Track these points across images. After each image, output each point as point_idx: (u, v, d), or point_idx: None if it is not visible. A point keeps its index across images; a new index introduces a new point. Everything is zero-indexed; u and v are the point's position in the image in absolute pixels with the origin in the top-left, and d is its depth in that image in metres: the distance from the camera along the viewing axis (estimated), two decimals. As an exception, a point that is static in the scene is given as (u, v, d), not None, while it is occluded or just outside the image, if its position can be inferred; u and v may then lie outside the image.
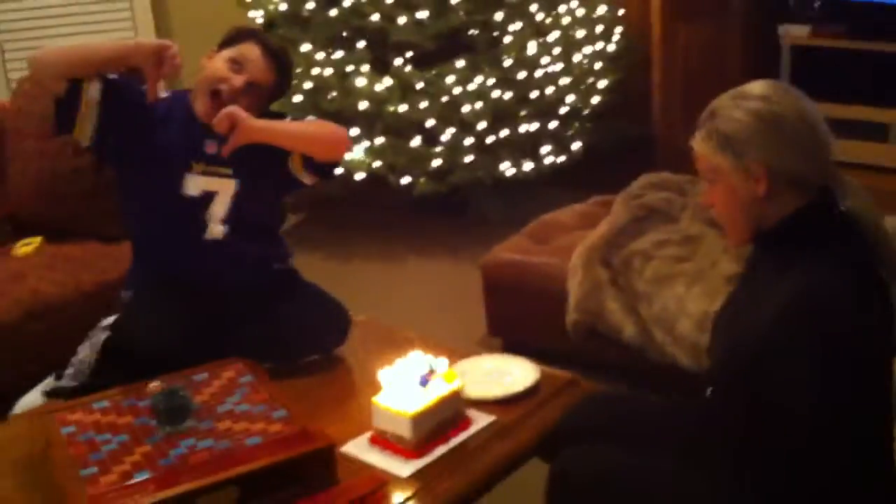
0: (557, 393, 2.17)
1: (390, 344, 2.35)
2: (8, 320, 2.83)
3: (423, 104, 4.19)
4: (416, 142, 4.27)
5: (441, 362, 2.01)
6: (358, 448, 1.96)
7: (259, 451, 1.83)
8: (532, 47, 4.31)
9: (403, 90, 4.23)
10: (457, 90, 4.18)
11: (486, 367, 2.27)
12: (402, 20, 4.22)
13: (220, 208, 2.42)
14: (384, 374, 1.98)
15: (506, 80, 4.27)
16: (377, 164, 4.30)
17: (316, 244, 4.49)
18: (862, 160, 4.19)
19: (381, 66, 4.33)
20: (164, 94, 2.42)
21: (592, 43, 4.60)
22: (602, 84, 4.65)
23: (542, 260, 3.33)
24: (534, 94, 4.37)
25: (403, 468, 1.89)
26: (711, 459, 1.74)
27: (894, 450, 1.71)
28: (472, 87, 4.20)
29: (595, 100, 4.63)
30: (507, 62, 4.28)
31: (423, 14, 4.21)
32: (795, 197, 1.66)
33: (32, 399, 2.45)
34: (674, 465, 1.78)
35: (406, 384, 1.95)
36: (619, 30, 4.73)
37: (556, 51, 4.41)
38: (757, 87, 1.70)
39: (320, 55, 4.34)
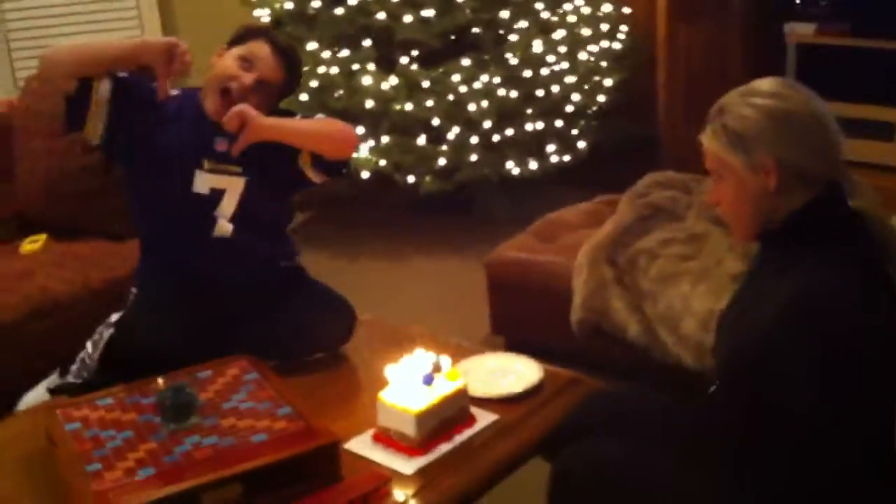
0: (561, 392, 2.17)
1: (395, 342, 2.36)
2: (16, 317, 2.84)
3: (429, 103, 4.19)
4: (421, 140, 4.27)
5: (445, 360, 2.02)
6: (361, 445, 1.97)
7: (264, 447, 1.83)
8: (538, 46, 4.31)
9: (409, 89, 4.23)
10: (462, 89, 4.18)
11: (490, 365, 2.27)
12: (407, 18, 4.22)
13: (228, 206, 2.42)
14: (391, 371, 1.98)
15: (511, 79, 4.27)
16: (383, 162, 4.30)
17: (322, 242, 4.50)
18: (867, 159, 4.18)
19: (386, 65, 4.33)
20: (173, 92, 2.42)
21: (598, 42, 4.60)
22: (607, 83, 4.64)
23: (547, 258, 3.33)
24: (539, 93, 4.37)
25: (407, 465, 1.90)
26: (712, 458, 1.74)
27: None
28: (477, 85, 4.20)
29: (600, 98, 4.64)
30: (513, 61, 4.28)
31: (428, 12, 4.21)
32: (805, 192, 1.66)
33: (37, 395, 2.47)
34: (675, 464, 1.78)
35: (411, 382, 1.96)
36: (624, 28, 4.73)
37: (562, 49, 4.41)
38: (766, 84, 1.70)
39: (326, 53, 4.34)
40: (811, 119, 1.66)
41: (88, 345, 2.41)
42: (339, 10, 4.35)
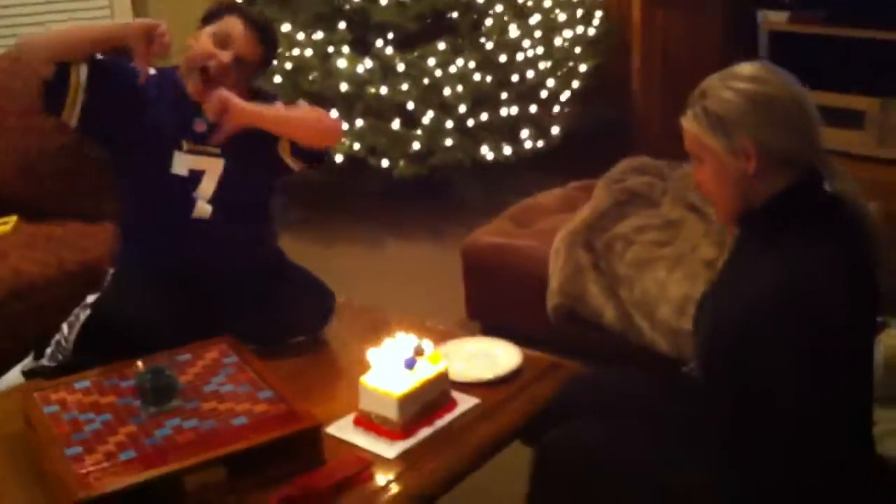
0: (541, 376, 2.19)
1: (374, 326, 2.36)
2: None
3: (404, 86, 4.18)
4: (396, 124, 4.26)
5: (427, 344, 2.02)
6: (342, 429, 1.97)
7: (245, 430, 1.83)
8: (513, 30, 4.30)
9: (384, 72, 4.22)
10: (438, 73, 4.17)
11: (470, 349, 2.28)
12: (383, 1, 4.20)
13: (207, 187, 2.41)
14: (372, 354, 1.98)
15: (487, 63, 4.26)
16: (357, 146, 4.29)
17: (296, 226, 4.47)
18: (838, 147, 4.19)
19: (361, 48, 4.31)
20: (151, 71, 2.40)
21: (573, 27, 4.60)
22: (582, 68, 4.65)
23: (523, 243, 3.33)
24: (514, 78, 4.36)
25: (389, 449, 1.90)
26: (697, 441, 1.76)
27: (874, 436, 1.74)
28: (453, 69, 4.19)
29: (575, 84, 4.64)
30: (489, 45, 4.27)
31: (404, -5, 4.20)
32: (785, 176, 1.67)
33: (11, 379, 2.44)
34: (656, 448, 1.80)
35: (393, 365, 1.96)
36: (599, 14, 4.73)
37: (537, 34, 4.40)
38: (746, 68, 1.71)
39: (300, 35, 4.31)
40: (792, 103, 1.67)
41: (64, 327, 2.38)
42: (314, -8, 4.33)
